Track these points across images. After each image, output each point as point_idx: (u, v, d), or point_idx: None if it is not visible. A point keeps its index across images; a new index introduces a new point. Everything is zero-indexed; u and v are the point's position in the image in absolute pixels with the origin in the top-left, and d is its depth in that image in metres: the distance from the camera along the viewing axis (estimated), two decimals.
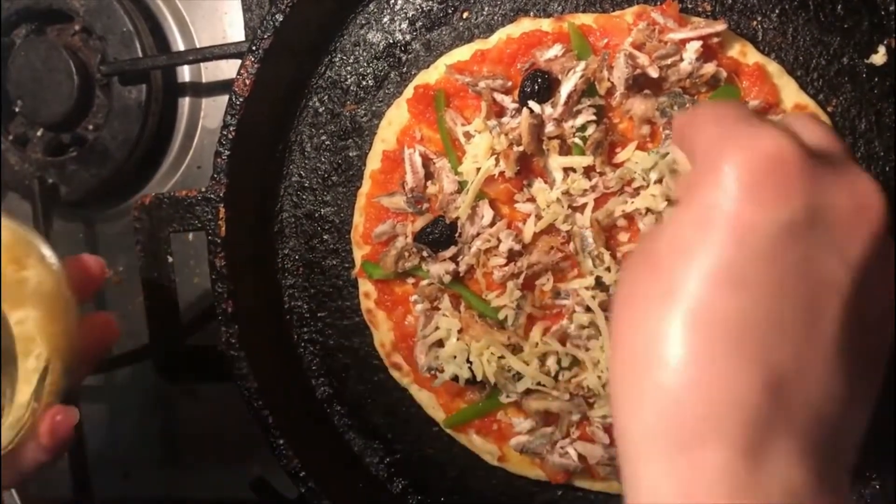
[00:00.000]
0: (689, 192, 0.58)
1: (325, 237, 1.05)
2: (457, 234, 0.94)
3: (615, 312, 0.60)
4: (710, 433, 0.53)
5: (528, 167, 0.93)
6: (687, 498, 0.52)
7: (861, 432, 0.58)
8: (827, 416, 0.54)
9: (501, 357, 0.93)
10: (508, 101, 0.93)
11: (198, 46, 1.22)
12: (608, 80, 0.90)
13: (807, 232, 0.55)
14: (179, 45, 1.23)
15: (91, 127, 1.22)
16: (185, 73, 1.23)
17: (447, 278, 0.94)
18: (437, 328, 0.95)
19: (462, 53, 0.97)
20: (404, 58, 1.02)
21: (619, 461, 0.58)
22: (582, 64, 0.90)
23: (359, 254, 1.01)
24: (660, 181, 0.88)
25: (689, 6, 0.94)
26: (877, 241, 0.56)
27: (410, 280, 0.99)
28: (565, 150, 0.92)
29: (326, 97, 1.04)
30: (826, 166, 0.56)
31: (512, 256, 0.93)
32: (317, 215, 1.05)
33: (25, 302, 0.75)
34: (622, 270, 0.62)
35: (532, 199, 0.93)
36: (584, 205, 0.92)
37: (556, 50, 0.91)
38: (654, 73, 0.89)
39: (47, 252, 0.80)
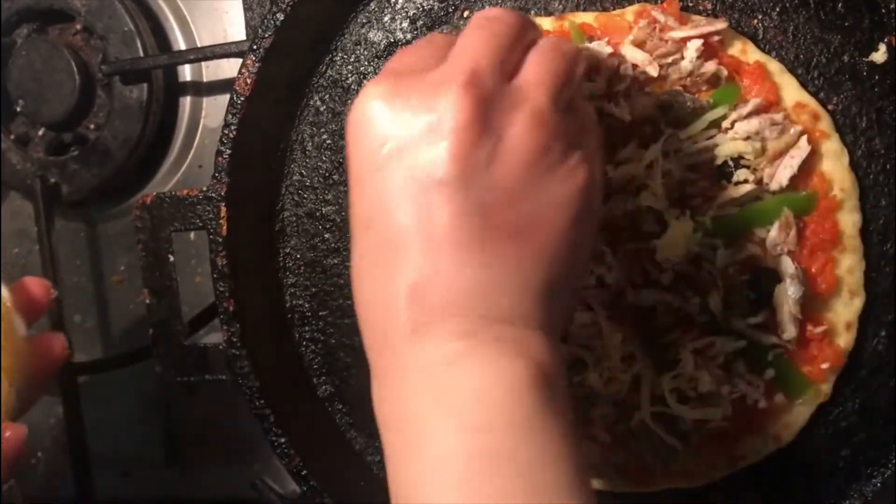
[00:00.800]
0: None
1: (326, 236, 1.05)
2: None
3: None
4: (385, 341, 0.67)
5: None
6: (382, 389, 0.69)
7: (552, 275, 0.67)
8: (472, 296, 0.63)
9: None
10: None
11: (199, 46, 1.22)
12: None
13: (400, 158, 0.64)
14: (180, 44, 1.23)
15: (92, 126, 1.22)
16: (186, 73, 1.24)
17: None
18: None
19: None
20: None
21: None
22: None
23: None
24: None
25: (690, 4, 0.94)
26: (460, 141, 0.63)
27: None
28: None
29: (328, 96, 1.04)
30: (419, 94, 0.65)
31: None
32: (318, 214, 1.05)
33: None
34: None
35: None
36: None
37: None
38: (654, 71, 0.89)
39: None
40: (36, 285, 0.93)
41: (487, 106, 0.64)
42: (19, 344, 0.85)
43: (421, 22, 1.01)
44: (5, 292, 0.87)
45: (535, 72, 0.68)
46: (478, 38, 0.68)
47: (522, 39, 0.70)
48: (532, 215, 0.65)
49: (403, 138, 0.64)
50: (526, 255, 0.65)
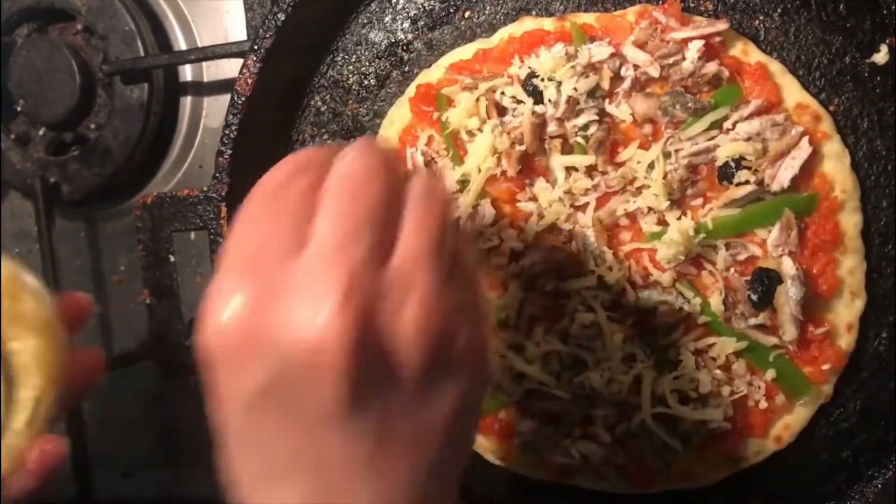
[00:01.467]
0: None
1: None
2: None
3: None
4: None
5: (530, 166, 0.93)
6: None
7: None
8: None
9: (504, 357, 0.93)
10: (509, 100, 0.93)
11: (199, 46, 1.22)
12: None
13: (274, 396, 0.57)
14: (181, 44, 1.23)
15: (93, 126, 1.22)
16: (186, 73, 1.23)
17: None
18: None
19: (464, 52, 0.97)
20: (406, 57, 1.02)
21: None
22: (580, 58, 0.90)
23: None
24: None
25: (692, 5, 0.94)
26: (341, 377, 0.55)
27: None
28: (567, 149, 0.92)
29: (328, 96, 1.04)
30: (287, 307, 0.55)
31: (514, 256, 0.93)
32: None
33: (22, 334, 0.78)
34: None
35: (534, 199, 0.93)
36: (586, 204, 0.92)
37: (558, 49, 0.91)
38: (654, 72, 0.89)
39: (37, 287, 0.82)
40: (81, 298, 0.93)
41: (370, 319, 0.55)
42: (63, 355, 0.85)
43: (422, 22, 1.01)
44: (52, 303, 0.87)
45: (413, 245, 0.59)
46: (347, 215, 0.58)
47: (395, 199, 0.61)
48: (425, 428, 0.60)
49: (279, 369, 0.56)
50: (418, 464, 0.60)
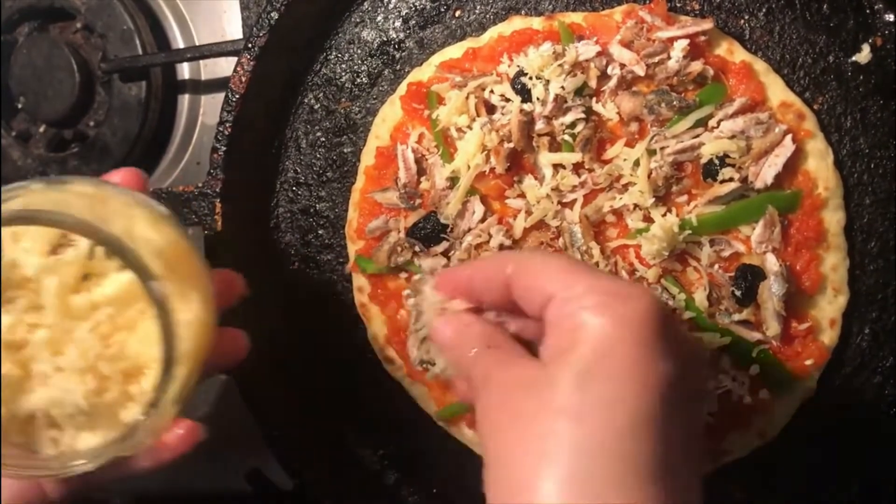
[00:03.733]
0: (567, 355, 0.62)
1: (320, 232, 1.06)
2: (448, 230, 0.96)
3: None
4: None
5: (518, 163, 0.95)
6: None
7: None
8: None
9: None
10: (498, 98, 0.94)
11: (197, 44, 1.24)
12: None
13: (680, 384, 0.62)
14: (179, 42, 1.25)
15: (92, 123, 1.24)
16: (184, 71, 1.25)
17: None
18: None
19: (454, 51, 0.99)
20: (398, 55, 1.03)
21: None
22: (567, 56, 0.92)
23: (353, 248, 1.03)
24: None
25: (678, 5, 0.95)
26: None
27: (403, 275, 1.00)
28: (555, 146, 0.93)
29: (321, 94, 1.06)
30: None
31: (503, 251, 0.95)
32: (312, 210, 1.06)
33: (185, 305, 0.72)
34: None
35: (522, 195, 0.94)
36: (574, 201, 0.93)
37: (546, 48, 0.92)
38: (640, 70, 0.90)
39: (201, 261, 0.79)
40: (233, 277, 0.89)
41: None
42: (213, 333, 0.78)
43: (413, 21, 1.02)
44: (211, 278, 0.80)
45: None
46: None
47: None
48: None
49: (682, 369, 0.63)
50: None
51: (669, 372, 0.61)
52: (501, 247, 0.94)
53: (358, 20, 1.04)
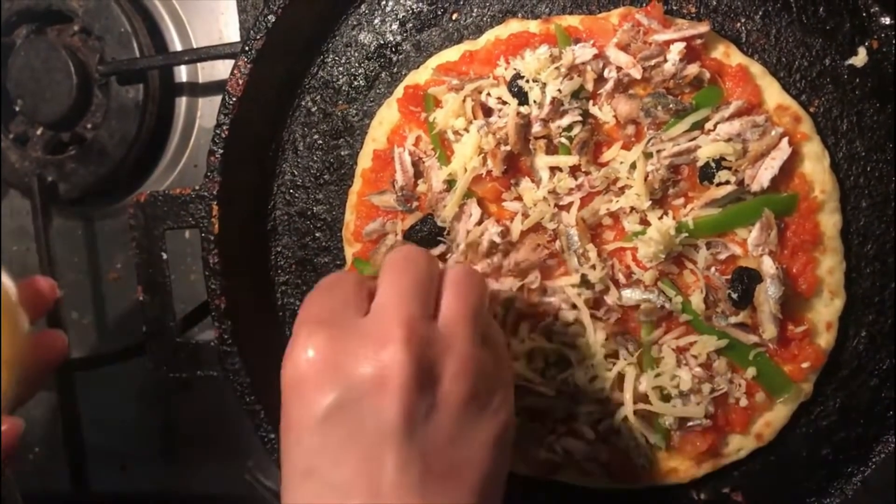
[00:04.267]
0: None
1: (317, 235, 1.06)
2: (445, 233, 0.96)
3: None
4: None
5: (515, 166, 0.95)
6: None
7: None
8: None
9: None
10: (494, 101, 0.95)
11: (194, 47, 1.24)
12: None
13: (343, 413, 0.68)
14: (176, 45, 1.25)
15: (89, 126, 1.24)
16: (182, 73, 1.25)
17: None
18: None
19: (451, 54, 0.99)
20: (395, 58, 1.03)
21: None
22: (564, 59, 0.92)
23: (350, 251, 1.03)
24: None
25: (674, 8, 0.95)
26: (403, 399, 0.67)
27: None
28: (552, 149, 0.94)
29: (319, 97, 1.06)
30: (359, 346, 0.69)
31: (495, 251, 0.95)
32: (309, 213, 1.06)
33: None
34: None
35: (519, 198, 0.95)
36: (570, 203, 0.93)
37: (543, 51, 0.93)
38: (637, 73, 0.90)
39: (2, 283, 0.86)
40: (43, 284, 0.96)
41: (424, 358, 0.69)
42: (23, 338, 0.87)
43: (410, 24, 1.03)
44: (14, 288, 0.89)
45: (455, 308, 0.74)
46: (401, 284, 0.73)
47: (435, 277, 0.76)
48: (465, 457, 0.70)
49: (348, 392, 0.68)
50: (461, 494, 0.69)
51: (303, 416, 0.70)
52: (496, 249, 0.94)
53: (355, 23, 1.04)
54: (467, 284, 0.76)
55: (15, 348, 0.85)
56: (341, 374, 0.68)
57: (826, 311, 0.91)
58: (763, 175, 0.89)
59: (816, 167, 0.90)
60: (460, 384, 0.70)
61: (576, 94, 0.92)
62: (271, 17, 0.97)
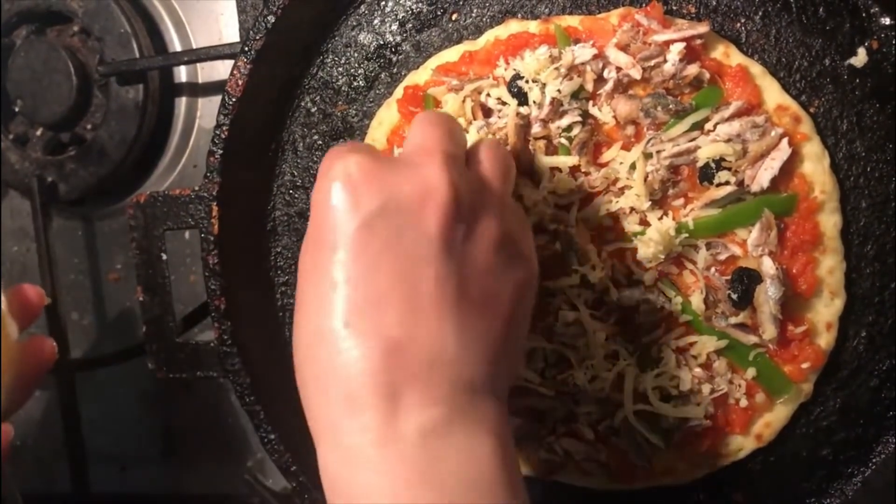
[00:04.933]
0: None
1: None
2: None
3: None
4: (351, 406, 0.65)
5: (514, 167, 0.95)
6: (347, 464, 0.65)
7: (497, 350, 0.70)
8: (447, 361, 0.66)
9: None
10: (494, 102, 0.94)
11: (194, 47, 1.24)
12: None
13: (384, 221, 0.67)
14: (176, 45, 1.25)
15: (89, 126, 1.24)
16: (181, 74, 1.26)
17: None
18: None
19: (450, 54, 0.98)
20: (394, 59, 1.03)
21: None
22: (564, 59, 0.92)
23: None
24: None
25: (674, 8, 0.95)
26: (446, 218, 0.68)
27: None
28: (551, 150, 0.93)
29: (318, 97, 1.06)
30: (397, 167, 0.70)
31: None
32: (309, 214, 1.06)
33: None
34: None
35: (519, 199, 0.94)
36: (570, 204, 0.93)
37: (543, 52, 0.92)
38: (636, 74, 0.90)
39: None
40: (31, 291, 0.97)
41: (461, 187, 0.69)
42: (11, 346, 0.87)
43: (410, 25, 1.03)
44: (2, 296, 0.90)
45: (491, 165, 0.76)
46: (435, 130, 0.74)
47: (462, 141, 0.77)
48: (498, 290, 0.71)
49: (389, 202, 0.67)
50: (490, 325, 0.70)
51: (344, 221, 0.67)
52: None
53: (354, 23, 1.04)
54: (497, 148, 0.79)
55: (6, 356, 0.86)
56: (384, 185, 0.67)
57: (826, 311, 0.91)
58: (763, 175, 0.89)
59: (816, 167, 0.90)
60: (495, 221, 0.71)
61: (575, 95, 0.92)
62: (271, 18, 0.97)
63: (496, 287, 0.71)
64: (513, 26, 0.97)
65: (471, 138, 0.93)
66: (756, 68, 0.92)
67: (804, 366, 0.90)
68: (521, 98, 0.93)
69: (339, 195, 0.68)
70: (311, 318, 0.68)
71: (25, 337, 0.97)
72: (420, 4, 1.02)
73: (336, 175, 0.68)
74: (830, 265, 0.91)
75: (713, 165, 0.89)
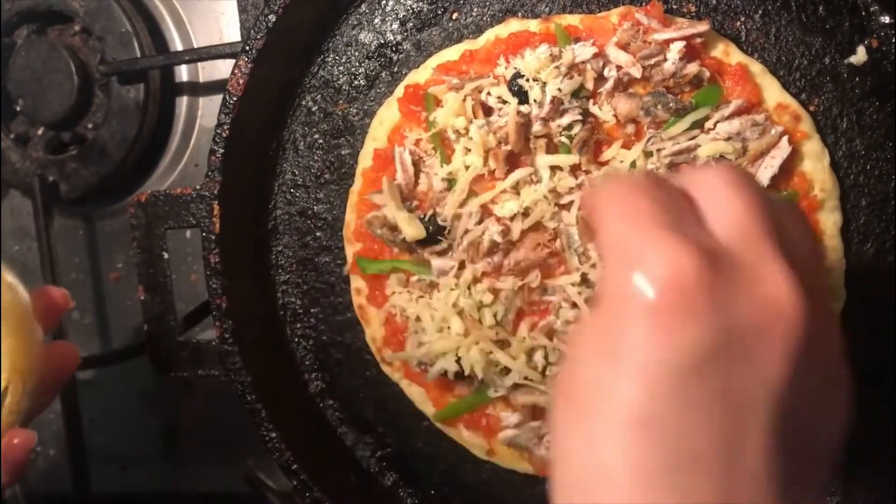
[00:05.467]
0: (601, 304, 0.55)
1: (318, 234, 1.07)
2: (446, 231, 0.96)
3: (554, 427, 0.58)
4: None
5: (515, 165, 0.95)
6: None
7: None
8: None
9: (489, 352, 0.94)
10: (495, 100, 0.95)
11: (195, 46, 1.24)
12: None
13: (718, 357, 0.51)
14: (177, 45, 1.25)
15: (90, 126, 1.24)
16: (182, 73, 1.25)
17: (452, 273, 0.96)
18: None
19: (451, 53, 0.99)
20: (395, 58, 1.04)
21: None
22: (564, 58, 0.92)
23: (351, 250, 1.03)
24: None
25: (674, 7, 0.95)
26: (794, 355, 0.51)
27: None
28: (552, 148, 0.94)
29: (319, 96, 1.06)
30: (732, 273, 0.52)
31: (496, 250, 0.95)
32: (310, 213, 1.07)
33: None
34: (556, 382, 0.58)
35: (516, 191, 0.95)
36: (571, 202, 0.93)
37: (543, 50, 0.93)
38: (637, 72, 0.90)
39: (12, 279, 0.85)
40: (56, 294, 0.95)
41: (808, 304, 0.52)
42: (37, 349, 0.86)
43: (410, 24, 1.03)
44: (28, 298, 0.88)
45: (799, 233, 0.57)
46: (760, 205, 0.54)
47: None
48: (815, 441, 0.55)
49: (732, 332, 0.51)
50: (807, 492, 0.54)
51: (671, 354, 0.50)
52: (497, 248, 0.94)
53: (355, 23, 1.04)
54: (795, 211, 0.59)
55: (30, 359, 0.84)
56: (722, 309, 0.50)
57: None
58: (763, 174, 0.89)
59: (816, 166, 0.90)
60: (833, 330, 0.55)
61: (576, 93, 0.93)
62: (272, 17, 0.97)
63: (817, 430, 0.55)
64: (513, 25, 0.97)
65: (477, 140, 0.93)
66: (756, 67, 0.92)
67: None
68: (522, 97, 0.93)
69: (665, 313, 0.51)
70: (596, 452, 0.52)
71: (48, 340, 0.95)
72: (421, 3, 1.02)
73: (659, 275, 0.51)
74: (830, 264, 0.91)
75: (713, 164, 0.89)
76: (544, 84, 0.92)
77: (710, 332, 0.50)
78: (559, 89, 0.91)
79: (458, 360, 0.94)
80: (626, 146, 0.93)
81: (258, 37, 0.98)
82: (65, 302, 0.95)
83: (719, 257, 0.52)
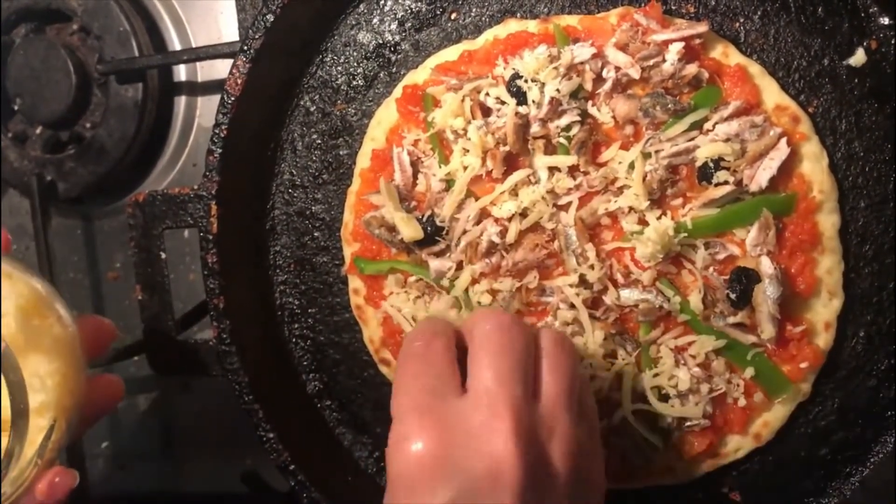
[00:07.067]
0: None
1: (315, 234, 1.06)
2: (444, 232, 0.96)
3: None
4: None
5: (513, 166, 0.95)
6: None
7: None
8: None
9: None
10: (493, 101, 0.94)
11: (193, 46, 1.24)
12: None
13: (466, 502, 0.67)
14: (175, 44, 1.25)
15: (88, 125, 1.24)
16: (181, 72, 1.26)
17: (450, 274, 0.96)
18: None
19: (450, 54, 0.99)
20: (393, 58, 1.03)
21: None
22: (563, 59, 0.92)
23: (349, 251, 1.03)
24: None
25: (673, 8, 0.95)
26: (519, 487, 0.68)
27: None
28: (550, 149, 0.93)
29: (317, 96, 1.06)
30: (468, 440, 0.69)
31: (494, 251, 0.95)
32: (308, 213, 1.06)
33: (41, 356, 0.76)
34: None
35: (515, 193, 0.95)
36: (569, 203, 0.93)
37: (542, 51, 0.93)
38: (635, 73, 0.90)
39: (64, 311, 0.80)
40: (105, 323, 0.92)
41: (532, 445, 0.69)
42: (83, 384, 0.81)
43: (409, 24, 1.02)
44: (75, 327, 0.82)
45: (555, 387, 0.74)
46: (501, 367, 0.72)
47: (532, 351, 0.75)
48: None
49: (461, 493, 0.67)
50: None
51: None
52: (495, 248, 0.94)
53: (354, 22, 1.04)
54: (562, 353, 0.77)
55: (75, 395, 0.79)
56: (453, 472, 0.68)
57: (824, 311, 0.91)
58: (761, 175, 0.89)
59: (815, 167, 0.90)
60: (567, 464, 0.72)
61: (574, 94, 0.92)
62: (270, 17, 0.97)
63: None
64: (512, 26, 0.97)
65: (475, 140, 0.93)
66: (755, 68, 0.92)
67: (802, 365, 0.90)
68: (520, 97, 0.93)
69: (411, 486, 0.69)
70: None
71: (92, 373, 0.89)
72: (419, 4, 1.02)
73: (406, 459, 0.69)
74: (829, 265, 0.91)
75: (712, 165, 0.89)
76: (543, 85, 0.92)
77: (445, 491, 0.67)
78: (558, 90, 0.91)
79: None
80: (625, 147, 0.92)
81: (256, 36, 0.97)
82: (112, 332, 0.92)
83: (452, 426, 0.70)
